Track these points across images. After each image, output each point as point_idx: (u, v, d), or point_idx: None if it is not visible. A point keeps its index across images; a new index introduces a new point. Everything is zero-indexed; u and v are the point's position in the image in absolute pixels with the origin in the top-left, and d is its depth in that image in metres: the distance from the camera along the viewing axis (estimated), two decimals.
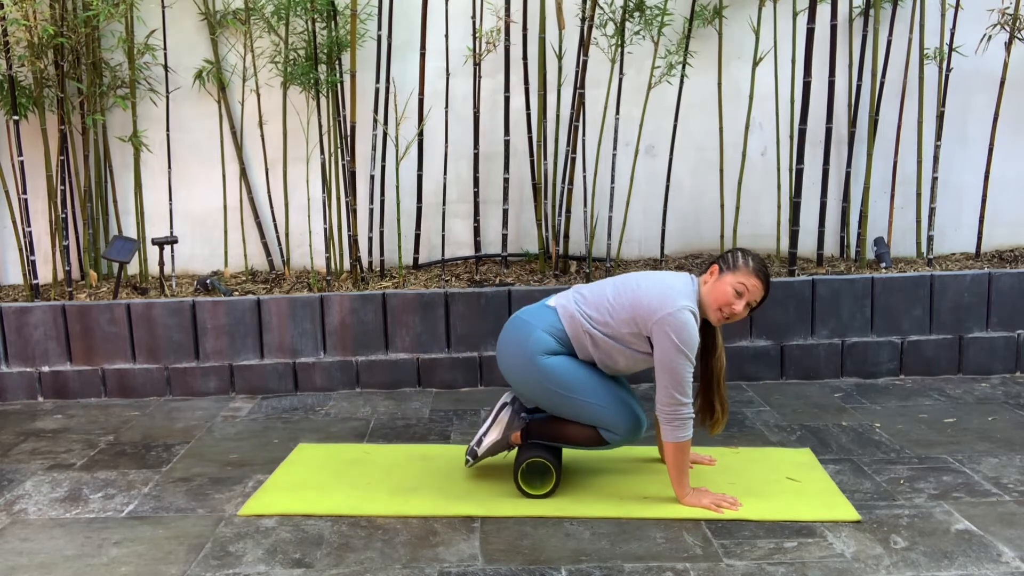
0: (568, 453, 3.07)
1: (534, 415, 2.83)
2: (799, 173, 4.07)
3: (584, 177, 4.34)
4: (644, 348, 2.61)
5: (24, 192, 4.06)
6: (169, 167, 4.47)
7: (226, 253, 4.50)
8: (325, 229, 4.26)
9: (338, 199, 4.28)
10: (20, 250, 4.19)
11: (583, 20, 4.17)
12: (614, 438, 2.68)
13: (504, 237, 4.40)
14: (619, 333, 2.61)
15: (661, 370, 2.54)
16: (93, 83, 4.27)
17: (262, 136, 4.45)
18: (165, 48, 4.39)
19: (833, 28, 4.04)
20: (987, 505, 2.60)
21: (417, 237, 4.44)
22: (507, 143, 4.34)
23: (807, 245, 4.45)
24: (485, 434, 2.80)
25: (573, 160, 4.24)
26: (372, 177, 4.32)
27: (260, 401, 3.83)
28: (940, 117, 4.28)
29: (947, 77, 4.27)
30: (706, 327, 2.67)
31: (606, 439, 2.69)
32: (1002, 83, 4.28)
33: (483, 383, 3.94)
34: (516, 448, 2.81)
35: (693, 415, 2.58)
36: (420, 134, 4.34)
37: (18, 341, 3.87)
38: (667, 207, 4.44)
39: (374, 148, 4.32)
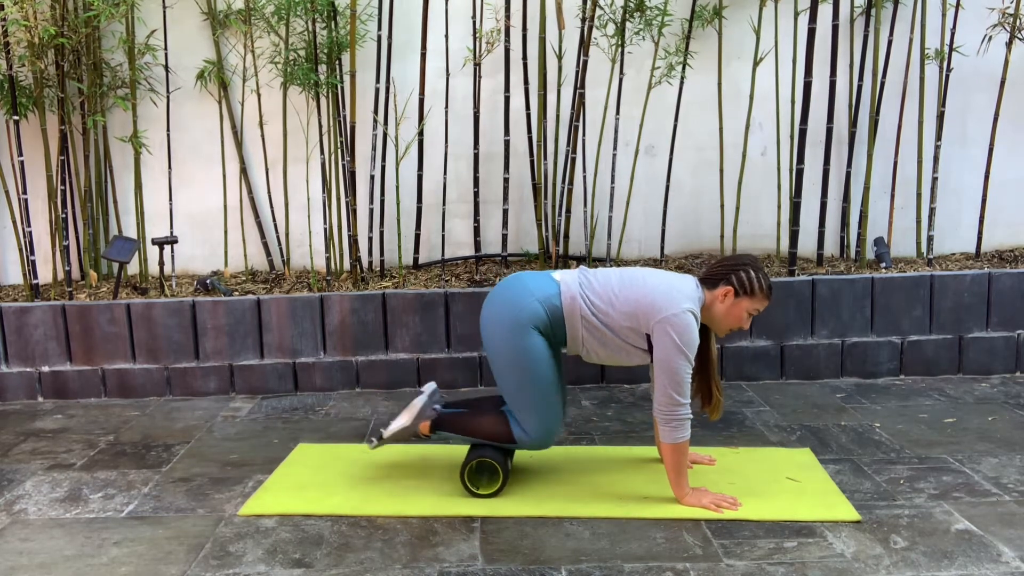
0: (570, 453, 3.07)
1: (447, 409, 2.85)
2: (799, 173, 4.07)
3: (584, 177, 4.34)
4: (637, 343, 2.61)
5: (24, 192, 4.06)
6: (169, 167, 4.47)
7: (226, 253, 4.50)
8: (325, 229, 4.26)
9: (338, 199, 4.28)
10: (20, 250, 4.19)
11: (583, 20, 4.17)
12: (524, 439, 2.68)
13: (504, 237, 4.40)
14: (617, 325, 2.60)
15: (661, 370, 2.54)
16: (93, 83, 4.27)
17: (262, 136, 4.45)
18: (166, 48, 4.40)
19: (834, 28, 4.04)
20: (987, 505, 2.60)
21: (417, 237, 4.45)
22: (507, 143, 4.34)
23: (807, 245, 4.45)
24: (395, 418, 2.84)
25: (573, 160, 4.24)
26: (372, 177, 4.32)
27: (260, 401, 3.83)
28: (940, 117, 4.28)
29: (947, 77, 4.27)
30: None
31: (516, 438, 2.69)
32: (1002, 83, 4.28)
33: (483, 383, 3.94)
34: (423, 439, 2.85)
35: (691, 416, 2.58)
36: (420, 134, 4.34)
37: (18, 341, 3.87)
38: (667, 207, 4.44)
39: (374, 148, 4.32)
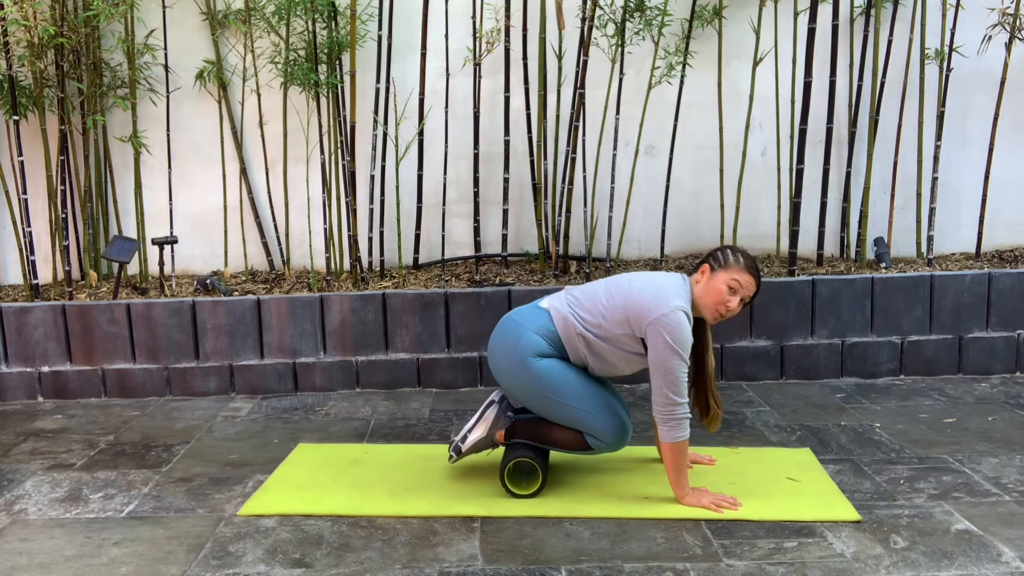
0: (566, 455, 3.07)
1: (520, 415, 2.83)
2: (799, 173, 4.07)
3: (584, 177, 4.34)
4: (638, 349, 2.61)
5: (24, 192, 4.06)
6: (169, 167, 4.47)
7: (226, 253, 4.50)
8: (325, 229, 4.26)
9: (338, 199, 4.28)
10: (20, 250, 4.19)
11: (583, 20, 4.17)
12: (599, 444, 2.69)
13: (504, 237, 4.40)
14: (612, 334, 2.61)
15: (656, 371, 2.55)
16: (93, 83, 4.27)
17: (262, 136, 4.45)
18: (165, 48, 4.39)
19: (834, 28, 4.04)
20: (987, 505, 2.60)
21: (417, 237, 4.45)
22: (507, 143, 4.34)
23: (807, 245, 4.45)
24: (470, 431, 2.80)
25: (573, 160, 4.24)
26: (372, 177, 4.32)
27: (260, 401, 3.83)
28: (940, 117, 4.28)
29: (947, 77, 4.27)
30: (698, 325, 2.68)
31: (591, 445, 2.69)
32: (1002, 83, 4.28)
33: (483, 383, 3.94)
34: (500, 446, 2.82)
35: (689, 415, 2.58)
36: (420, 134, 4.34)
37: (18, 341, 3.87)
38: (667, 207, 4.44)
39: (374, 148, 4.32)
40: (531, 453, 2.72)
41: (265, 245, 4.53)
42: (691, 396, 2.73)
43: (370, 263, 4.39)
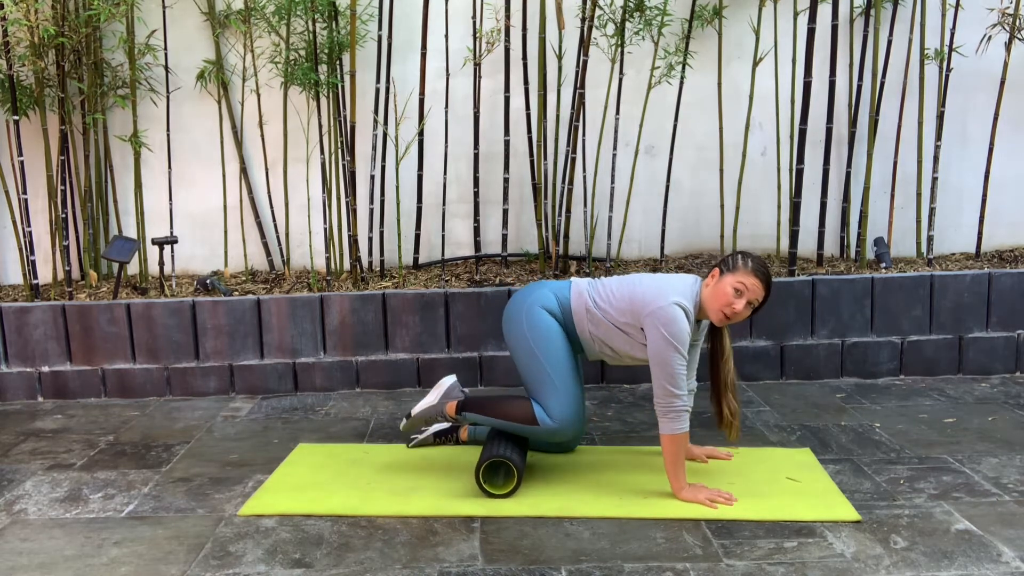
0: (570, 453, 3.07)
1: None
2: (799, 173, 4.07)
3: (584, 177, 4.34)
4: (640, 338, 2.69)
5: (24, 192, 4.06)
6: (169, 167, 4.47)
7: (226, 253, 4.50)
8: (325, 229, 4.26)
9: (338, 199, 4.28)
10: (20, 250, 4.19)
11: (583, 20, 4.17)
12: (547, 423, 2.72)
13: (504, 237, 4.40)
14: (616, 321, 2.72)
15: (653, 363, 2.62)
16: (94, 83, 4.27)
17: (262, 136, 4.45)
18: (166, 48, 4.40)
19: (834, 28, 4.04)
20: (987, 505, 2.60)
21: (417, 237, 4.45)
22: (507, 143, 4.34)
23: (807, 245, 4.45)
24: (423, 399, 2.93)
25: (573, 160, 4.24)
26: (372, 177, 4.32)
27: (260, 401, 3.83)
28: (940, 117, 4.28)
29: (947, 77, 4.27)
30: (714, 331, 2.76)
31: (539, 421, 2.73)
32: (1002, 83, 4.28)
33: (483, 383, 3.94)
34: (448, 422, 2.90)
35: (688, 408, 2.63)
36: (420, 134, 4.34)
37: (18, 341, 3.87)
38: (667, 207, 4.44)
39: (374, 148, 4.32)
40: (508, 452, 2.72)
41: (265, 245, 4.53)
42: (710, 403, 2.81)
43: (370, 263, 4.39)
